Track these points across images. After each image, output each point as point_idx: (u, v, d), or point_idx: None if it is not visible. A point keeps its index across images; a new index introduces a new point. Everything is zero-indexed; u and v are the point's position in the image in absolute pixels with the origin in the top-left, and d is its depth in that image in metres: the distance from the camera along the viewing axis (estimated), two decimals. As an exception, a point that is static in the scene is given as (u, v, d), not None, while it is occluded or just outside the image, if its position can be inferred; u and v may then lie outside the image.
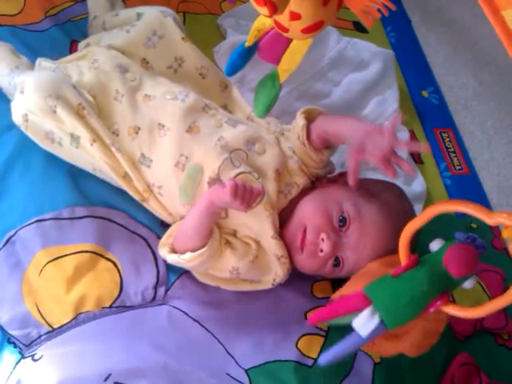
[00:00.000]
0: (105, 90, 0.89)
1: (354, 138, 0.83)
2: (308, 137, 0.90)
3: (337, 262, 0.85)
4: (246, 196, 0.77)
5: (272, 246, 0.86)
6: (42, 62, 0.93)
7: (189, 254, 0.82)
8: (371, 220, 0.83)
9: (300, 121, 0.91)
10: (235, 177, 0.84)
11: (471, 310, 0.65)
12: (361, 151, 0.82)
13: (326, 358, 0.67)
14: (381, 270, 0.78)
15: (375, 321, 0.66)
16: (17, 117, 0.88)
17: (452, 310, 0.67)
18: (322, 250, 0.84)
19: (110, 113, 0.88)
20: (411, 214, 0.89)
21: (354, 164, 0.83)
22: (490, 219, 0.58)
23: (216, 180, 0.83)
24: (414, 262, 0.67)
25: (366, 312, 0.66)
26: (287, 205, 0.88)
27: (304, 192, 0.90)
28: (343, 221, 0.84)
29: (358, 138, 0.82)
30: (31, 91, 0.85)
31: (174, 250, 0.85)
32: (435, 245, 0.68)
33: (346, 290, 0.78)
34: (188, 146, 0.86)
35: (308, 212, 0.86)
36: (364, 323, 0.66)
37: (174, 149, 0.86)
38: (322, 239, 0.83)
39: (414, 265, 0.67)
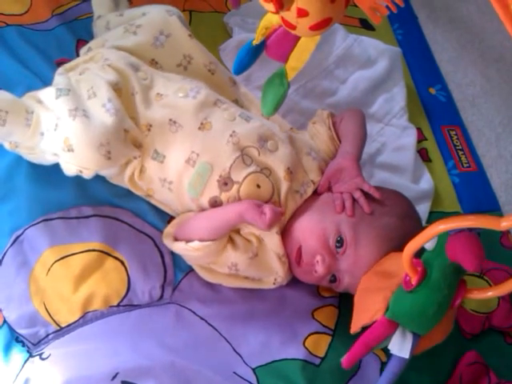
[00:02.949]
0: (125, 85, 0.89)
1: (333, 165, 0.90)
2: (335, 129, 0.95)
3: (334, 278, 0.85)
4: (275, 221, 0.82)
5: (275, 243, 0.86)
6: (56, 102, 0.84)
7: (197, 243, 0.83)
8: (368, 247, 0.82)
9: (323, 112, 0.96)
10: (246, 176, 0.84)
11: (494, 288, 0.65)
12: (332, 179, 0.89)
13: None
14: (378, 282, 0.77)
15: (409, 339, 0.67)
16: (70, 172, 0.86)
17: (478, 295, 0.67)
18: (316, 271, 0.84)
19: (130, 106, 0.88)
20: (413, 235, 0.88)
21: (323, 184, 0.90)
22: (498, 226, 0.55)
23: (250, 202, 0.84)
24: (424, 273, 0.67)
25: (398, 334, 0.67)
26: (302, 204, 0.88)
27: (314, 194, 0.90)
28: (340, 242, 0.83)
29: (334, 167, 0.90)
30: (83, 150, 0.81)
31: (176, 239, 0.86)
32: (429, 242, 0.67)
33: (358, 317, 0.77)
34: (199, 144, 0.86)
35: (305, 232, 0.85)
36: (401, 345, 0.67)
37: (186, 145, 0.86)
38: (317, 261, 0.83)
39: (425, 275, 0.67)
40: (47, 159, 0.88)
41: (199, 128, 0.87)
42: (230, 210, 0.84)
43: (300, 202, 0.88)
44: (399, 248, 0.78)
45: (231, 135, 0.86)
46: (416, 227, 0.88)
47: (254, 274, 0.88)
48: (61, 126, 0.82)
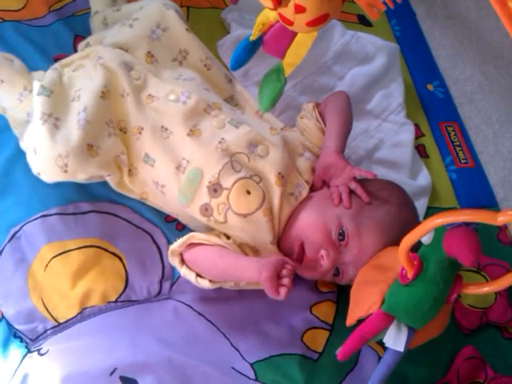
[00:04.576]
0: (114, 87, 0.89)
1: (319, 164, 0.90)
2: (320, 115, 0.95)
3: (337, 272, 0.85)
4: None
5: (272, 252, 0.85)
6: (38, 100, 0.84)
7: (207, 284, 0.83)
8: (371, 237, 0.83)
9: (309, 105, 0.96)
10: (235, 182, 0.84)
11: (490, 283, 0.66)
12: (324, 178, 0.89)
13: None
14: (374, 275, 0.78)
15: (404, 332, 0.67)
16: (32, 170, 0.86)
17: (474, 290, 0.68)
18: (321, 266, 0.84)
19: (119, 109, 0.88)
20: (413, 223, 0.87)
21: (317, 184, 0.90)
22: (495, 221, 0.56)
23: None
24: (420, 267, 0.67)
25: (393, 328, 0.68)
26: (297, 206, 0.87)
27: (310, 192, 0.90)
28: (342, 235, 0.83)
29: (321, 166, 0.90)
30: (43, 156, 0.83)
31: (183, 261, 0.85)
32: (426, 236, 0.67)
33: (354, 309, 0.77)
34: (189, 150, 0.85)
35: (307, 228, 0.85)
36: (396, 339, 0.67)
37: (176, 152, 0.86)
38: (322, 256, 0.83)
39: (421, 269, 0.67)
40: (21, 145, 0.89)
41: (188, 134, 0.86)
42: (248, 271, 0.79)
43: (295, 204, 0.87)
44: (400, 237, 0.79)
45: (220, 142, 0.86)
46: (413, 215, 0.89)
47: (254, 284, 0.88)
48: (35, 124, 0.84)
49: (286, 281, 0.76)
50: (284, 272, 0.76)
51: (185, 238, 0.85)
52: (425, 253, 0.68)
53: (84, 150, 0.82)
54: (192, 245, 0.85)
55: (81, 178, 0.85)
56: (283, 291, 0.75)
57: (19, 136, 0.89)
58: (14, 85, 0.88)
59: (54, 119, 0.83)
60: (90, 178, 0.86)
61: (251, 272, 0.79)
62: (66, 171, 0.82)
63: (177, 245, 0.85)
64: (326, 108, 0.95)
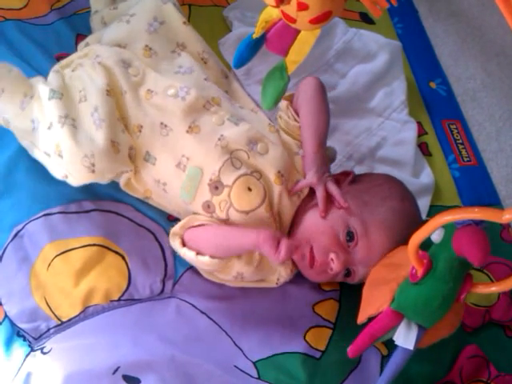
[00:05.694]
0: (115, 85, 0.88)
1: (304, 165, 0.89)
2: (297, 113, 0.91)
3: (348, 273, 0.85)
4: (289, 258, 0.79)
5: None
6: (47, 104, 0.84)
7: (207, 259, 0.82)
8: (378, 234, 0.82)
9: (283, 103, 0.93)
10: (236, 180, 0.83)
11: (498, 283, 0.66)
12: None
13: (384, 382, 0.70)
14: (386, 274, 0.78)
15: (414, 330, 0.67)
16: (57, 175, 0.86)
17: (483, 290, 0.68)
18: (331, 269, 0.83)
19: (121, 107, 0.88)
20: (415, 215, 0.88)
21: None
22: (500, 219, 0.56)
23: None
24: (430, 265, 0.67)
25: (403, 326, 0.68)
26: (300, 204, 0.87)
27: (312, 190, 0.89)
28: (350, 235, 0.83)
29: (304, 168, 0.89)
30: (69, 158, 0.82)
31: (184, 243, 0.85)
32: (436, 234, 0.67)
33: (365, 308, 0.77)
34: (188, 147, 0.85)
35: (314, 232, 0.84)
36: (406, 337, 0.67)
37: (175, 150, 0.85)
38: (332, 259, 0.83)
39: (430, 267, 0.67)
40: (35, 154, 0.87)
41: (187, 131, 0.86)
42: (247, 237, 0.81)
43: (298, 202, 0.87)
44: (404, 231, 0.79)
45: (219, 139, 0.85)
46: (415, 207, 0.90)
47: (257, 278, 0.88)
48: (53, 128, 0.83)
49: (282, 246, 0.76)
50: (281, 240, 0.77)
51: (186, 219, 0.86)
52: (435, 251, 0.68)
53: (110, 148, 0.82)
54: (192, 227, 0.86)
55: (108, 177, 0.85)
56: (283, 247, 0.76)
57: (29, 147, 0.88)
58: (15, 93, 0.86)
59: (71, 120, 0.83)
60: (114, 177, 0.86)
61: (250, 235, 0.80)
62: (93, 171, 0.82)
63: (178, 227, 0.86)
64: (297, 102, 0.93)
